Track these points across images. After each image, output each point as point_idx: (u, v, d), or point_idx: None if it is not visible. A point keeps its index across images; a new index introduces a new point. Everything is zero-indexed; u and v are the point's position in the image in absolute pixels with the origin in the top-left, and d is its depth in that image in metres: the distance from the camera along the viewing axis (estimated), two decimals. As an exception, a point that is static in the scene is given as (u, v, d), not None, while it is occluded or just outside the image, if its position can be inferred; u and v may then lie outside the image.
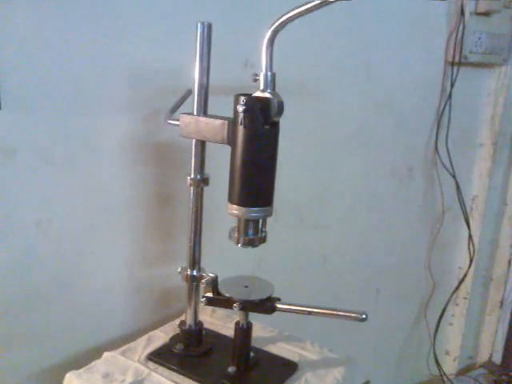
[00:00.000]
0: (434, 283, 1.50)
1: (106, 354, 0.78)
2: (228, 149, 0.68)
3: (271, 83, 0.65)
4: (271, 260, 1.05)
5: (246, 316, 0.74)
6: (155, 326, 0.88)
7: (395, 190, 1.34)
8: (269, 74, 0.64)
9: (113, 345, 0.82)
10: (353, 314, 0.68)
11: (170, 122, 0.76)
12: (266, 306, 0.71)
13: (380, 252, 1.34)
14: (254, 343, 0.78)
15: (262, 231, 0.70)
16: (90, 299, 0.85)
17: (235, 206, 0.67)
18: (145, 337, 0.84)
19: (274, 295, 0.74)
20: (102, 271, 0.85)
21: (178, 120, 0.74)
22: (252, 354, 0.76)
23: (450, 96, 1.33)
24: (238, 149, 0.66)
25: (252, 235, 0.69)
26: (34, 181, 0.75)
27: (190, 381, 0.73)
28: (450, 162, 1.39)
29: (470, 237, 1.51)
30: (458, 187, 1.43)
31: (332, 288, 1.23)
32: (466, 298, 1.61)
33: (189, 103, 0.76)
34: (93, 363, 0.76)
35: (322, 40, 1.05)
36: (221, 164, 0.68)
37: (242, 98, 0.63)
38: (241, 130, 0.65)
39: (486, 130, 1.50)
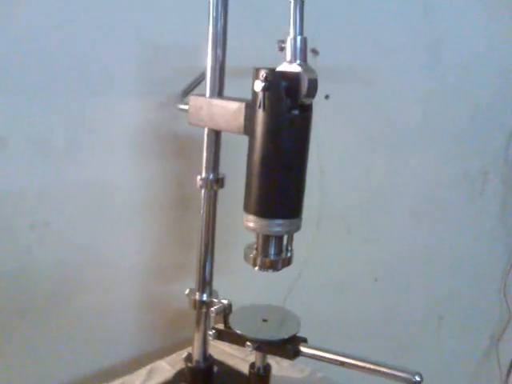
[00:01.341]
0: (511, 313, 1.38)
1: (95, 389, 0.67)
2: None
3: (301, 52, 0.51)
4: (309, 280, 0.94)
5: (264, 358, 0.62)
6: (163, 353, 0.77)
7: (466, 199, 1.25)
8: (298, 38, 0.51)
9: (109, 373, 0.74)
10: (402, 374, 0.53)
11: (180, 106, 0.66)
12: (287, 348, 0.59)
13: (444, 272, 1.23)
14: (277, 388, 0.67)
15: (287, 250, 0.58)
16: (88, 317, 0.75)
17: (252, 216, 0.55)
18: (145, 369, 0.73)
19: (300, 333, 0.61)
20: (107, 285, 0.76)
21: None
22: (271, 406, 0.64)
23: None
24: (257, 140, 0.53)
25: (274, 256, 0.57)
26: (29, 176, 0.66)
27: None
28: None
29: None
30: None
31: (383, 315, 1.12)
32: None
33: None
34: (77, 401, 0.66)
35: (377, 12, 0.94)
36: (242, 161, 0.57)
37: (262, 73, 0.50)
38: (260, 115, 0.52)
39: None
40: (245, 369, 0.70)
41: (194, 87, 0.68)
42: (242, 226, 0.58)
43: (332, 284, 1.02)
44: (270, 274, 0.61)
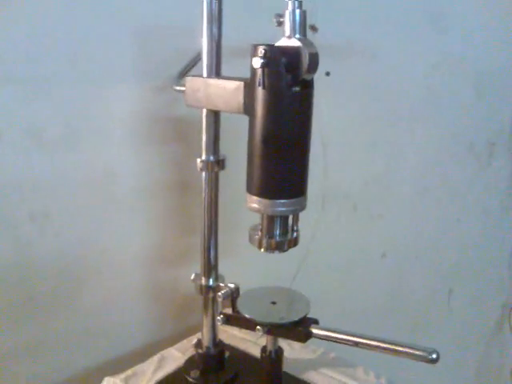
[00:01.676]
0: (521, 283, 1.41)
1: (106, 380, 0.67)
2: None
3: (300, 26, 0.50)
4: (316, 260, 0.89)
5: (275, 341, 0.61)
6: (173, 340, 0.76)
7: (472, 172, 1.22)
8: (297, 11, 0.49)
9: (119, 363, 0.73)
10: (417, 352, 0.51)
11: (176, 88, 0.64)
12: (298, 331, 0.58)
13: (453, 246, 1.21)
14: (289, 369, 0.67)
15: (293, 231, 0.57)
16: (96, 308, 0.74)
17: (255, 197, 0.54)
18: (156, 357, 0.72)
19: (310, 314, 0.60)
20: (111, 275, 0.74)
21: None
22: (285, 387, 0.63)
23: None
24: (257, 119, 0.52)
25: (279, 237, 0.56)
26: (26, 167, 0.65)
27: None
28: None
29: None
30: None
31: (393, 291, 1.12)
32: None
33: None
34: (89, 392, 0.65)
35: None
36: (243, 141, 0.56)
37: (261, 49, 0.49)
38: (260, 93, 0.50)
39: None
40: (257, 352, 0.69)
41: (191, 68, 0.66)
42: (245, 208, 0.57)
43: (340, 262, 1.01)
44: (277, 255, 0.60)
